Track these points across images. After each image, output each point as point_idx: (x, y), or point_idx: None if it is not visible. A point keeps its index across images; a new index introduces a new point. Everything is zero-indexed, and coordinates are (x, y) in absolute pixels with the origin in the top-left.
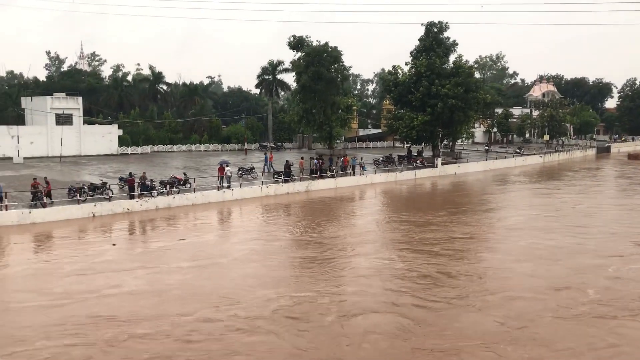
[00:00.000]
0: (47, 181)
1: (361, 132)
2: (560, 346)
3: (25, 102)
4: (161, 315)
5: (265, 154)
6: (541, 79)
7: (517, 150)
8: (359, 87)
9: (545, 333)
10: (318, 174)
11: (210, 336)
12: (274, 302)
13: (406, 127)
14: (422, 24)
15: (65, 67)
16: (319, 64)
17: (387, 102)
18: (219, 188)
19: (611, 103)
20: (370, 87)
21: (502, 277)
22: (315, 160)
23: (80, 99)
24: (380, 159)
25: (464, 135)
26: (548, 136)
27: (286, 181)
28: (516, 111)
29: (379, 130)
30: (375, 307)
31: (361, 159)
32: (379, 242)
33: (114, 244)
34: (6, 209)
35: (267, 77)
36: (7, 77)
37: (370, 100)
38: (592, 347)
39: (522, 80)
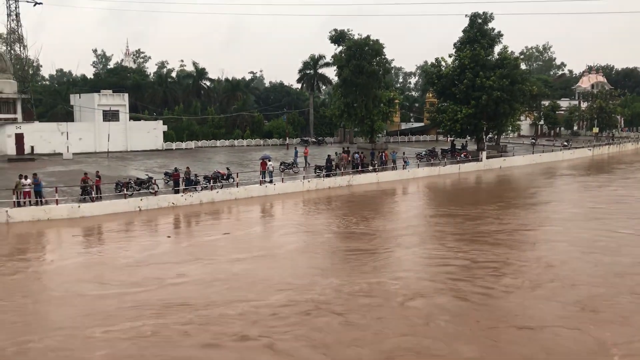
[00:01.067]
0: (99, 175)
1: (403, 126)
2: None
3: (73, 99)
4: (237, 300)
5: (295, 148)
6: (590, 69)
7: (565, 143)
8: (401, 80)
9: (626, 315)
10: (360, 169)
11: (295, 316)
12: (343, 288)
13: (450, 120)
14: (465, 15)
15: (111, 65)
16: (360, 57)
17: (430, 95)
18: (261, 182)
19: None
20: (413, 80)
21: (567, 266)
22: (357, 155)
23: (126, 95)
24: (423, 152)
25: (510, 128)
26: (597, 128)
27: (327, 176)
28: (564, 103)
29: (422, 124)
30: (439, 292)
31: (403, 153)
32: (431, 234)
33: (169, 236)
34: (56, 204)
35: (308, 72)
36: (56, 75)
37: (413, 93)
38: None
39: (570, 72)
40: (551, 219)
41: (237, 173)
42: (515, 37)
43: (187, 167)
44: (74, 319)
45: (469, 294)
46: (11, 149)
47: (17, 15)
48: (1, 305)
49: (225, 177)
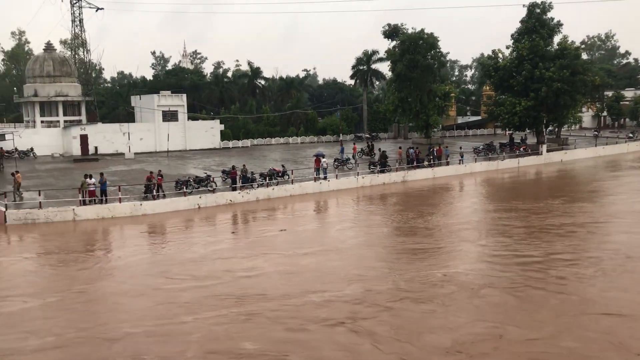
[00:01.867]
0: (161, 174)
1: (460, 120)
2: None
3: (134, 100)
4: (313, 291)
5: (341, 144)
6: None
7: (630, 135)
8: (457, 73)
9: None
10: (415, 164)
11: (372, 305)
12: (415, 279)
13: (508, 113)
14: (523, 5)
15: (169, 66)
16: (414, 51)
17: (487, 87)
18: (315, 179)
19: None
20: (469, 73)
21: None
22: (412, 150)
23: (184, 96)
24: (481, 147)
25: (571, 120)
26: None
27: (382, 171)
28: (629, 93)
29: (479, 117)
30: (513, 283)
31: (460, 147)
32: (497, 228)
33: (233, 232)
34: (120, 202)
35: (361, 68)
36: (117, 77)
37: (469, 86)
38: None
39: (636, 60)
40: (622, 211)
41: (292, 170)
42: (575, 26)
43: (244, 165)
44: (156, 309)
45: (544, 284)
46: (76, 150)
47: (81, 21)
48: (82, 296)
49: (280, 174)
